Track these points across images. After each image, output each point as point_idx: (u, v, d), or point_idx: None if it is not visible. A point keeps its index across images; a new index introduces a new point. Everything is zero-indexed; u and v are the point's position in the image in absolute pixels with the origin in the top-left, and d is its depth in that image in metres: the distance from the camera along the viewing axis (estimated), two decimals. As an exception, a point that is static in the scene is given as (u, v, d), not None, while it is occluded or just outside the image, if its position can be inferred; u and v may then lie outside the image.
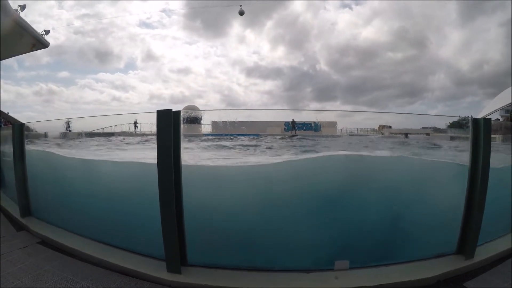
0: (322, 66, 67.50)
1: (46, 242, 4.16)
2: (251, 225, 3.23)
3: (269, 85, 70.15)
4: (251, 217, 3.25)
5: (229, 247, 3.25)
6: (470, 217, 3.27)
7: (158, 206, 2.95)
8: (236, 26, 67.75)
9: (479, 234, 3.29)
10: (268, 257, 3.16)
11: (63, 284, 3.06)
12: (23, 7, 18.87)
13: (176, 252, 2.98)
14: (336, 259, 3.06)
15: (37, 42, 21.74)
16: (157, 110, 2.92)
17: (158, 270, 3.06)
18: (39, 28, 21.80)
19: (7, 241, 4.32)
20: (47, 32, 22.39)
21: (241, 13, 19.98)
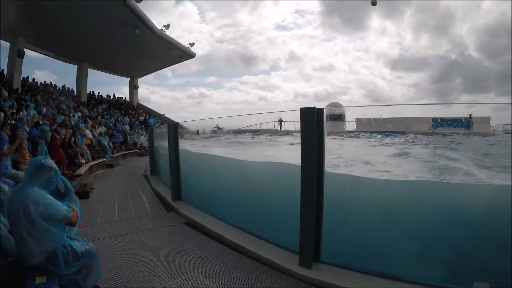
0: (472, 52, 58.57)
1: (191, 224, 4.75)
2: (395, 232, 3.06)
3: (414, 77, 64.70)
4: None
5: (364, 250, 3.13)
6: None
7: (299, 202, 3.03)
8: (375, 18, 65.02)
9: None
10: (402, 267, 2.93)
11: (200, 261, 3.43)
12: (167, 26, 22.40)
13: (310, 247, 3.02)
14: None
15: (184, 53, 25.66)
16: (300, 108, 3.02)
17: (290, 262, 3.14)
18: (184, 42, 25.69)
19: (159, 219, 5.12)
20: (192, 44, 26.17)
21: (374, 3, 19.12)
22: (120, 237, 4.20)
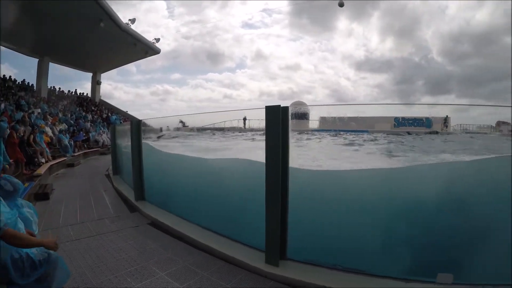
0: (435, 56, 61.94)
1: (155, 224, 4.64)
2: (355, 227, 3.13)
3: (378, 78, 67.57)
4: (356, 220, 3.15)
5: (330, 246, 3.18)
6: None
7: (264, 200, 3.04)
8: (343, 19, 66.97)
9: None
10: (368, 261, 3.02)
11: (165, 262, 3.37)
12: (133, 21, 21.82)
13: (276, 245, 3.03)
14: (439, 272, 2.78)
15: (150, 49, 25.04)
16: (266, 106, 3.02)
17: (256, 261, 3.14)
18: (150, 37, 25.07)
19: (122, 220, 4.95)
20: (158, 40, 25.60)
21: (341, 4, 19.57)
22: (83, 240, 4.03)
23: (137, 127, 5.78)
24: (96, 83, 28.65)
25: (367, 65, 63.64)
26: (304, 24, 62.78)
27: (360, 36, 61.78)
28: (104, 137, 18.49)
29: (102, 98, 29.72)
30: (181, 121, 6.38)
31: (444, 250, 2.94)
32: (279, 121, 2.94)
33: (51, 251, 2.27)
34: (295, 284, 2.83)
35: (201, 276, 3.03)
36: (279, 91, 69.97)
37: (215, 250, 3.50)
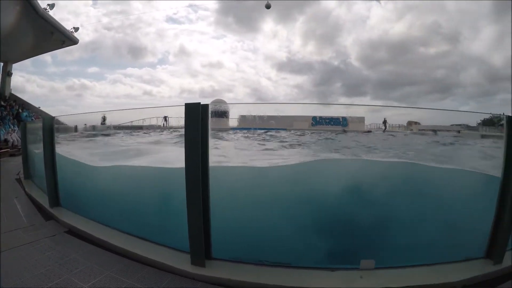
0: (353, 61, 67.04)
1: (73, 232, 4.27)
2: (277, 222, 3.23)
3: (299, 80, 70.66)
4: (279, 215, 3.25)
5: (255, 243, 3.25)
6: (500, 221, 3.15)
7: (185, 200, 2.97)
8: (270, 21, 68.51)
9: (509, 238, 3.17)
10: (293, 254, 3.14)
11: (88, 272, 3.13)
12: (52, 6, 19.55)
13: (201, 245, 3.00)
14: (362, 258, 3.02)
15: (67, 39, 22.63)
16: (185, 104, 2.93)
17: (182, 263, 3.09)
18: (68, 25, 22.71)
19: (36, 229, 4.46)
20: (76, 29, 23.35)
21: (268, 6, 19.92)
22: (-6, 256, 3.53)
23: (50, 124, 5.22)
24: (6, 74, 25.30)
25: (289, 66, 66.96)
26: (229, 22, 63.37)
27: (284, 38, 64.59)
28: (15, 136, 16.59)
29: (13, 92, 26.44)
30: (103, 118, 5.92)
31: (362, 238, 3.20)
32: (198, 119, 2.88)
33: None
34: (223, 283, 2.84)
35: (127, 285, 2.88)
36: (200, 88, 69.71)
37: (140, 256, 3.35)
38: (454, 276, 2.93)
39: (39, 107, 26.99)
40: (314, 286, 2.76)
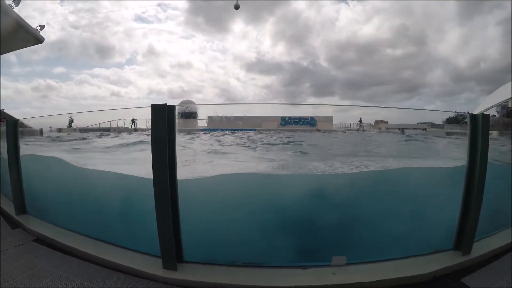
0: (322, 62, 68.08)
1: (41, 240, 4.11)
2: (248, 224, 3.23)
3: (268, 80, 70.84)
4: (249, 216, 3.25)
5: (226, 244, 3.24)
6: (467, 213, 3.25)
7: (154, 203, 2.92)
8: (239, 22, 68.28)
9: (476, 229, 3.28)
10: (265, 254, 3.15)
11: (59, 281, 3.02)
12: (17, 2, 18.75)
13: (172, 249, 2.95)
14: (333, 255, 3.05)
15: (32, 37, 21.63)
16: (151, 105, 2.87)
17: (153, 267, 3.04)
18: (34, 23, 21.74)
19: (3, 238, 4.26)
20: (42, 27, 22.29)
21: (237, 7, 19.87)
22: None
23: (14, 128, 4.98)
24: (-32, 75, 24.22)
25: (258, 66, 67.24)
26: (199, 22, 62.78)
27: (254, 39, 64.62)
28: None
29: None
30: (70, 120, 5.73)
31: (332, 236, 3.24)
32: (165, 121, 2.82)
33: None
34: (196, 285, 2.82)
35: (98, 292, 2.78)
36: (169, 89, 69.08)
37: (111, 262, 3.26)
38: (424, 268, 3.01)
39: (3, 110, 25.78)
40: (287, 285, 2.77)
